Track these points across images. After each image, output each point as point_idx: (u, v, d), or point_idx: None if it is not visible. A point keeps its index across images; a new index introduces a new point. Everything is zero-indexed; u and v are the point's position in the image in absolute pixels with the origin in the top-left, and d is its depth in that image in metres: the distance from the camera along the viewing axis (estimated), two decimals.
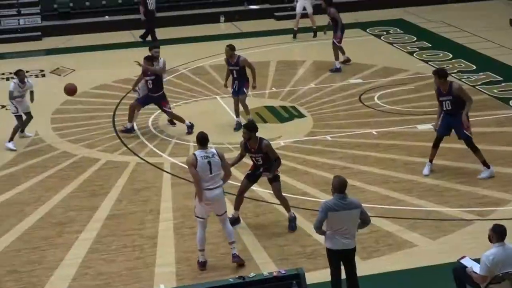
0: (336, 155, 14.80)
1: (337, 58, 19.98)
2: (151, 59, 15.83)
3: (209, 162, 10.67)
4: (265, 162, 11.82)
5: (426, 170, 13.79)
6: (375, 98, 17.90)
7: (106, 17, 25.93)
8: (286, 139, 15.67)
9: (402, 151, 14.93)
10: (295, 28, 23.63)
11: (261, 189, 13.17)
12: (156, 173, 14.37)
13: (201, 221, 10.89)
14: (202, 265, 11.05)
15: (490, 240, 8.98)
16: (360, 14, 25.93)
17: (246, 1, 26.80)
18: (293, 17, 24.35)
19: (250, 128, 11.67)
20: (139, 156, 15.12)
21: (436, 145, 13.70)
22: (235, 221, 12.04)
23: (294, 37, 23.60)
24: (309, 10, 23.47)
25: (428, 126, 15.97)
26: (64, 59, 22.09)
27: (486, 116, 16.46)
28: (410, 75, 19.43)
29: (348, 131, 15.95)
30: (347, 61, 20.41)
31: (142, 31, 23.92)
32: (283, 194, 12.04)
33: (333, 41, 19.97)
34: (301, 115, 17.08)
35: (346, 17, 25.10)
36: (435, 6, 27.06)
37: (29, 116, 15.97)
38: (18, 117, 15.78)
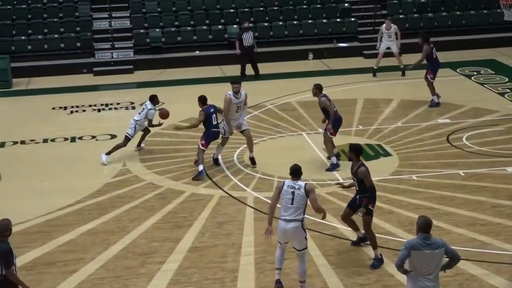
0: (422, 195, 14.58)
1: (433, 93, 19.95)
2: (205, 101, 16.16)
3: (293, 193, 10.79)
4: (361, 190, 11.86)
5: None
6: (464, 139, 17.61)
7: (197, 52, 26.40)
8: (372, 177, 15.48)
9: (490, 193, 14.60)
10: (375, 67, 23.59)
11: (343, 227, 13.07)
12: (239, 207, 14.44)
13: (279, 244, 11.10)
14: (277, 283, 11.16)
15: None
16: (451, 53, 25.62)
17: (335, 39, 26.87)
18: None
19: (352, 149, 11.98)
20: (223, 190, 15.23)
21: None
22: (361, 239, 12.49)
23: (374, 75, 23.53)
24: (395, 49, 23.39)
25: None
26: (154, 92, 22.40)
27: None
28: (500, 116, 19.06)
29: (434, 172, 15.71)
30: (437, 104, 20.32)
31: (230, 67, 24.29)
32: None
33: (426, 77, 19.99)
34: (387, 154, 16.92)
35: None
36: None
37: (147, 130, 17.30)
38: (127, 139, 16.81)
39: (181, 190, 15.27)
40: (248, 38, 23.72)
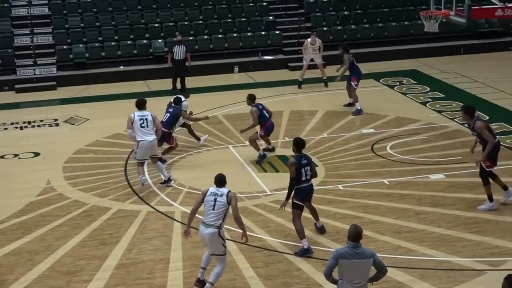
0: (348, 205, 14.73)
1: (356, 100, 20.41)
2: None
3: (215, 199, 11.20)
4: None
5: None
6: (388, 148, 17.88)
7: (121, 67, 26.19)
8: None
9: (414, 200, 14.85)
10: (300, 79, 23.82)
11: (271, 238, 13.11)
12: (167, 222, 14.33)
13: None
14: (198, 281, 11.54)
15: None
16: (374, 64, 26.03)
17: (260, 52, 27.01)
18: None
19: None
20: (150, 205, 15.11)
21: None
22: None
23: (299, 87, 23.77)
24: (319, 61, 23.67)
25: (441, 176, 15.96)
26: (78, 109, 22.25)
27: (498, 167, 16.31)
28: (423, 125, 19.42)
29: (360, 181, 15.90)
30: (351, 105, 21.06)
31: (156, 81, 24.19)
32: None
33: (350, 84, 20.53)
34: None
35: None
36: (448, 57, 27.16)
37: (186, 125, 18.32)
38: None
39: (107, 207, 15.07)
40: (179, 52, 23.63)
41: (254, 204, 14.95)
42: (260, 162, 17.17)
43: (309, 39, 23.85)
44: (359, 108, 20.60)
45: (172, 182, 16.09)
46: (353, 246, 9.23)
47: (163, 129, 16.33)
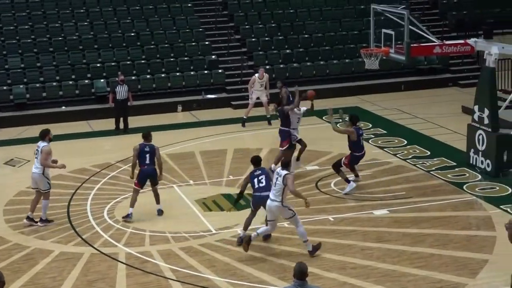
0: (293, 242, 14.71)
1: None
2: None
3: (276, 178, 14.02)
4: None
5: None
6: (332, 185, 17.98)
7: (63, 107, 25.92)
8: (243, 227, 15.53)
9: (358, 236, 14.93)
10: (244, 117, 23.88)
11: (217, 278, 13.01)
12: (111, 263, 14.12)
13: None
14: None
15: None
16: (316, 102, 26.10)
17: (203, 91, 27.04)
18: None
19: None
20: (93, 247, 14.87)
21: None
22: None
23: (243, 125, 23.81)
24: (264, 99, 23.79)
25: (385, 212, 16.11)
26: (19, 150, 21.90)
27: (441, 201, 16.62)
28: (366, 161, 19.51)
29: (305, 218, 15.89)
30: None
31: (98, 121, 23.98)
32: None
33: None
34: None
35: (303, 104, 25.49)
36: (389, 93, 27.56)
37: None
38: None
39: (49, 250, 14.80)
40: (122, 91, 23.48)
41: (200, 243, 14.84)
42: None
43: (257, 74, 23.96)
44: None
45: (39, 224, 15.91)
46: (299, 284, 9.17)
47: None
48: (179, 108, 26.41)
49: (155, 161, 16.26)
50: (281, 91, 20.75)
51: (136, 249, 14.57)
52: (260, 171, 14.66)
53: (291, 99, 20.60)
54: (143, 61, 27.51)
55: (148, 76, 26.90)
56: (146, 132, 16.65)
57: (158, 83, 26.83)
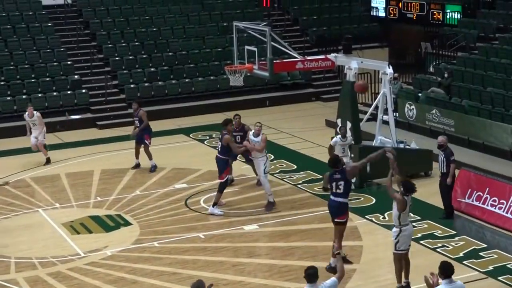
0: (165, 261, 14.60)
1: (151, 157, 20.33)
2: None
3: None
4: None
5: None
6: (201, 202, 17.99)
7: None
8: (113, 248, 15.31)
9: (230, 252, 14.98)
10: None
11: None
12: None
13: None
14: None
15: None
16: (183, 120, 26.28)
17: (67, 111, 26.46)
18: (115, 125, 24.34)
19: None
20: None
21: None
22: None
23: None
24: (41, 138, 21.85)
25: (254, 227, 16.24)
26: None
27: (308, 214, 16.93)
28: (234, 177, 19.66)
29: (175, 236, 15.84)
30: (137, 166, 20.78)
31: None
32: None
33: (144, 142, 20.29)
34: (127, 223, 16.80)
35: (167, 123, 25.51)
36: (254, 109, 27.79)
37: None
38: None
39: None
40: None
41: (68, 267, 14.46)
42: None
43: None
44: (154, 164, 20.50)
45: None
46: None
47: None
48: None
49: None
50: (139, 112, 20.40)
51: (0, 277, 14.03)
52: (339, 175, 13.70)
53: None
54: (2, 83, 26.62)
55: (8, 98, 26.05)
56: None
57: (19, 104, 25.94)
